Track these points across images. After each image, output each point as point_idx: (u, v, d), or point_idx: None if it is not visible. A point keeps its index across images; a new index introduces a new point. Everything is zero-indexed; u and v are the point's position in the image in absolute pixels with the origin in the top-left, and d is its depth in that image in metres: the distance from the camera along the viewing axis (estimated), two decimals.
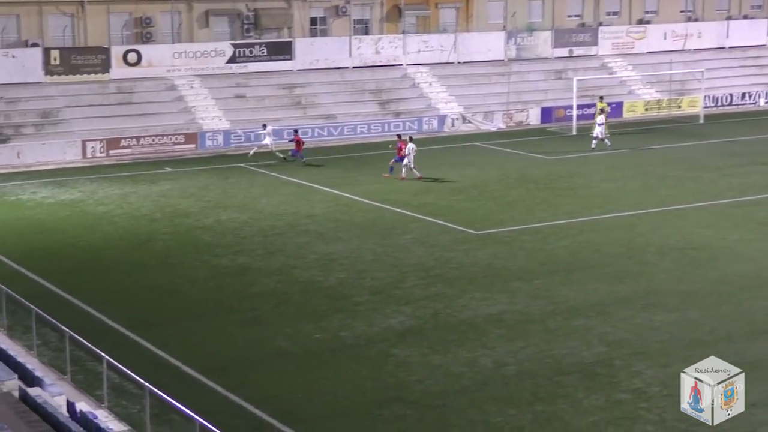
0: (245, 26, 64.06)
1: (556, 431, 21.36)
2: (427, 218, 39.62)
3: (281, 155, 52.07)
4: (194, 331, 27.61)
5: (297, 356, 25.69)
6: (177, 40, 62.01)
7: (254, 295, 30.64)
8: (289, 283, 31.64)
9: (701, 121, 64.57)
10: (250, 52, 61.97)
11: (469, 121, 62.91)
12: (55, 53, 57.33)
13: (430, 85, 65.16)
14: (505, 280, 31.76)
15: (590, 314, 28.39)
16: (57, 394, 21.34)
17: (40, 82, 57.00)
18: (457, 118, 62.55)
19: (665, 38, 74.05)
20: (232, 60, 61.36)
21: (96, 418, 19.91)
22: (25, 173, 49.92)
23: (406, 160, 46.98)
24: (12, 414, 19.45)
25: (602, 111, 56.98)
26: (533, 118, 64.31)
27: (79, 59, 57.86)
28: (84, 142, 53.58)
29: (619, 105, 66.26)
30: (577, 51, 71.16)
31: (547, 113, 64.47)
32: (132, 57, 59.00)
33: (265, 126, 53.88)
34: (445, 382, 23.97)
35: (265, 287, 31.31)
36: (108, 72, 58.38)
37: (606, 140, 54.24)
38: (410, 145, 47.21)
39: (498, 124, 63.00)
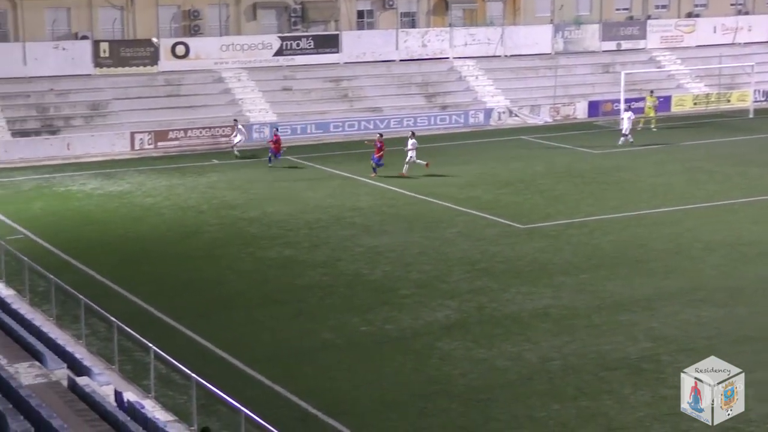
0: (292, 19, 64.23)
1: (600, 427, 21.28)
2: (473, 212, 39.57)
3: (238, 154, 51.77)
4: (240, 322, 27.78)
5: (342, 348, 25.78)
6: (225, 33, 62.30)
7: (300, 287, 30.76)
8: (335, 276, 31.73)
9: (751, 116, 63.95)
10: (297, 45, 62.14)
11: (516, 115, 62.71)
12: (104, 46, 57.83)
13: (477, 78, 65.03)
14: (551, 274, 31.67)
15: (636, 309, 28.25)
16: (105, 384, 21.58)
17: (90, 75, 57.51)
18: (503, 112, 62.37)
19: (715, 31, 73.36)
20: (279, 53, 61.56)
21: (143, 407, 20.10)
22: (75, 165, 50.41)
23: (409, 156, 46.43)
24: (61, 403, 19.69)
25: (653, 106, 57.77)
26: (580, 111, 63.99)
27: (128, 52, 58.32)
28: (132, 134, 54.01)
29: (668, 99, 65.76)
30: (625, 44, 70.69)
31: (594, 107, 64.14)
32: (180, 49, 59.39)
33: (236, 122, 53.56)
34: (490, 376, 23.96)
35: (311, 279, 31.43)
36: (156, 64, 58.80)
37: (629, 137, 53.84)
38: (412, 141, 46.75)
39: (544, 117, 62.77)
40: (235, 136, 52.41)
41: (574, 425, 21.38)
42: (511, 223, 37.70)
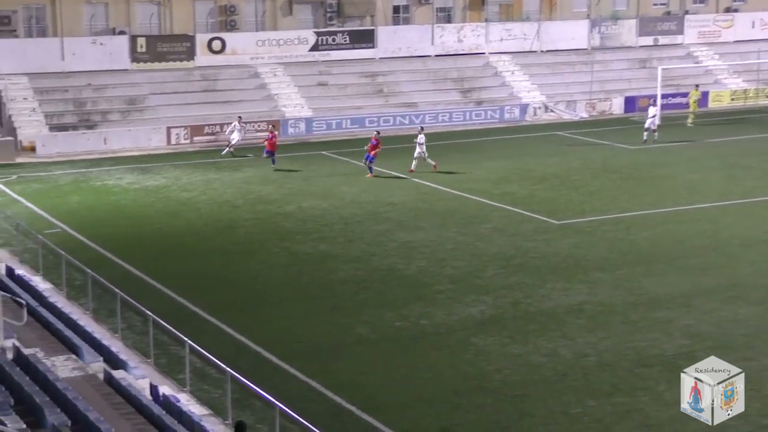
0: (328, 14, 64.27)
1: (636, 423, 21.19)
2: (508, 207, 39.47)
3: (230, 151, 50.66)
4: (275, 317, 27.86)
5: (377, 343, 25.80)
6: (261, 28, 62.48)
7: (334, 282, 30.81)
8: (369, 271, 31.75)
9: None
10: (333, 40, 62.18)
11: (552, 110, 62.46)
12: (141, 41, 58.10)
13: (513, 73, 64.82)
14: (586, 270, 31.54)
15: (672, 306, 28.09)
16: (140, 377, 21.75)
17: (127, 70, 57.79)
18: (539, 107, 62.14)
19: (753, 26, 72.75)
20: (315, 48, 61.64)
21: (178, 401, 20.23)
22: (111, 159, 50.70)
23: (418, 151, 46.08)
24: (97, 396, 19.85)
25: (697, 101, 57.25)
26: (616, 107, 63.65)
27: (164, 47, 58.57)
28: (168, 128, 54.24)
29: (705, 95, 65.24)
30: (663, 40, 70.24)
31: (630, 102, 63.74)
32: (216, 45, 59.59)
33: (240, 119, 52.31)
34: (524, 372, 23.90)
35: (346, 274, 31.46)
36: (193, 59, 59.03)
37: (654, 133, 53.24)
38: (421, 136, 46.37)
39: (580, 113, 62.49)
40: (232, 132, 51.11)
41: (609, 421, 21.30)
42: (546, 219, 37.58)
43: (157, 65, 58.24)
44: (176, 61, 58.69)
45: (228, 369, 21.25)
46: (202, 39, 59.36)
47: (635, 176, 45.24)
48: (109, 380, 20.74)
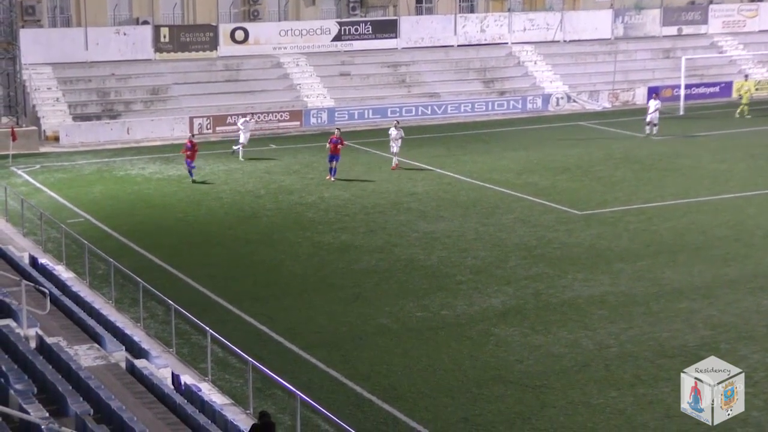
0: (351, 4, 64.21)
1: (658, 414, 21.13)
2: (530, 198, 39.39)
3: (235, 148, 48.36)
4: (297, 306, 27.90)
5: (398, 334, 25.80)
6: (283, 18, 62.49)
7: (356, 272, 30.83)
8: (391, 261, 31.75)
9: None
10: (356, 30, 62.15)
11: (574, 101, 62.30)
12: (164, 31, 58.23)
13: (535, 63, 64.65)
14: (609, 261, 31.45)
15: (695, 297, 27.99)
16: (162, 367, 21.82)
17: (150, 60, 57.94)
18: (561, 98, 61.96)
19: None
20: (337, 38, 61.63)
21: (200, 390, 20.30)
22: (134, 149, 50.87)
23: (395, 148, 45.54)
24: (119, 385, 19.93)
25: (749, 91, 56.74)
26: (639, 97, 63.37)
27: (187, 37, 58.69)
28: (191, 118, 54.37)
29: (729, 84, 64.96)
30: (687, 29, 69.91)
31: (654, 93, 63.35)
32: (239, 35, 59.65)
33: (252, 116, 51.53)
34: (546, 362, 23.86)
35: (367, 264, 31.47)
36: (216, 49, 59.12)
37: (655, 126, 52.57)
38: (395, 131, 45.33)
39: (603, 103, 62.28)
40: (242, 132, 48.62)
41: (631, 412, 21.25)
42: (568, 210, 37.48)
43: (180, 55, 58.37)
44: (199, 51, 58.80)
45: (249, 359, 21.31)
46: (225, 29, 59.43)
47: (658, 167, 45.06)
48: (131, 369, 20.83)
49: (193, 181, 42.69)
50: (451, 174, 43.78)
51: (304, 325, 26.50)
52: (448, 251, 32.66)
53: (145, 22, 58.84)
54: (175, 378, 21.00)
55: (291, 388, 20.26)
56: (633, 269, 30.52)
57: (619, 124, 55.95)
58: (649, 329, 25.74)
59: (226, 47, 59.31)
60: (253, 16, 61.92)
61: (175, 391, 19.82)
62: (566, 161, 46.31)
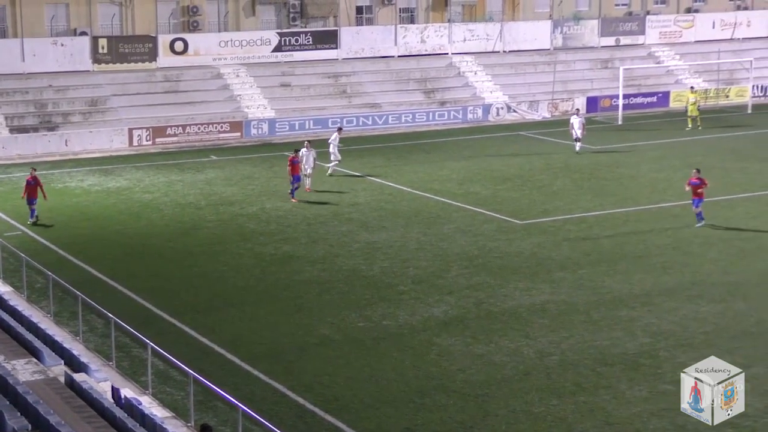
0: (291, 15, 64.19)
1: (598, 422, 21.27)
2: (472, 207, 39.55)
3: (333, 164, 46.05)
4: (239, 318, 27.75)
5: (340, 344, 25.76)
6: (223, 29, 62.31)
7: (298, 283, 30.74)
8: (333, 272, 31.71)
9: (749, 111, 63.99)
10: (296, 40, 62.09)
11: (514, 111, 62.70)
12: (103, 42, 57.80)
13: (476, 74, 64.98)
14: (549, 270, 31.65)
15: (635, 305, 28.24)
16: (102, 380, 21.59)
17: (88, 71, 57.47)
18: (502, 108, 62.35)
19: (713, 27, 73.37)
20: (277, 49, 61.53)
21: (140, 404, 20.09)
22: (73, 161, 50.39)
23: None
24: (58, 399, 19.68)
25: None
26: (579, 107, 63.89)
27: (126, 48, 58.28)
28: (130, 130, 53.99)
29: (666, 94, 65.75)
30: (624, 40, 70.69)
31: (592, 103, 64.11)
32: (179, 46, 59.35)
33: (340, 130, 48.92)
34: (488, 371, 23.94)
35: (309, 275, 31.40)
36: (155, 61, 58.77)
37: (578, 142, 50.83)
38: (305, 150, 42.90)
39: (543, 113, 62.74)
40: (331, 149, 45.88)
41: (572, 420, 21.37)
42: (509, 219, 37.68)
43: (118, 66, 57.95)
44: (138, 62, 58.41)
45: (191, 371, 21.17)
46: (164, 40, 59.11)
47: (598, 176, 45.46)
48: (71, 384, 20.58)
49: (34, 223, 37.66)
50: (393, 184, 43.84)
51: (246, 336, 26.38)
52: (389, 261, 32.68)
53: (83, 33, 58.37)
54: (115, 392, 20.78)
55: (233, 400, 20.14)
56: (573, 278, 30.73)
57: (559, 134, 56.37)
58: (590, 337, 25.93)
59: (165, 58, 58.97)
60: (193, 27, 61.66)
61: (115, 405, 19.59)
62: (507, 171, 46.57)
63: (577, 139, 50.86)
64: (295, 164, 41.39)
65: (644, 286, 29.98)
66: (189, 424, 20.88)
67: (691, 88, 61.68)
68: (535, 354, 24.90)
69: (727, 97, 67.76)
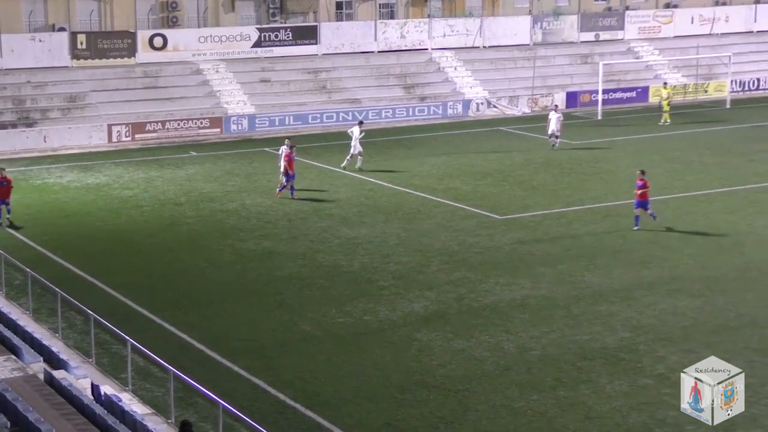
0: (271, 10, 64.04)
1: (578, 416, 21.34)
2: (452, 203, 39.58)
3: (353, 159, 45.96)
4: (219, 314, 27.72)
5: (321, 340, 25.77)
6: (203, 25, 62.11)
7: (279, 278, 30.72)
8: (314, 268, 31.69)
9: (728, 106, 64.22)
10: (276, 36, 61.96)
11: (494, 106, 62.76)
12: (81, 37, 57.52)
13: (455, 69, 65.00)
14: (529, 265, 31.71)
15: (614, 300, 28.34)
16: (82, 377, 21.53)
17: (67, 67, 57.18)
18: (482, 103, 62.39)
19: (692, 22, 73.53)
20: (257, 44, 61.38)
21: (120, 401, 20.04)
22: (51, 157, 50.18)
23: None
24: (37, 396, 19.61)
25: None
26: (558, 102, 63.90)
27: (105, 43, 58.02)
28: (110, 126, 53.78)
29: (645, 89, 65.93)
30: (604, 35, 70.79)
31: (572, 98, 64.23)
32: (158, 41, 59.13)
33: (361, 123, 48.55)
34: (468, 366, 23.98)
35: (290, 271, 31.38)
36: (134, 56, 58.55)
37: (555, 139, 50.39)
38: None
39: (523, 108, 62.83)
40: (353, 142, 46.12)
41: (553, 415, 21.43)
42: (489, 214, 37.73)
43: (97, 62, 57.69)
44: (117, 57, 58.16)
45: (171, 368, 21.13)
46: (143, 35, 58.89)
47: (577, 171, 45.57)
48: (50, 381, 20.51)
49: (8, 226, 36.60)
50: (373, 180, 43.84)
51: (227, 333, 26.34)
52: (370, 257, 32.69)
53: (62, 29, 58.09)
54: (95, 388, 20.73)
55: (213, 396, 20.12)
56: (553, 273, 30.81)
57: (539, 129, 56.33)
58: (570, 332, 26.00)
59: (144, 54, 58.75)
60: (172, 23, 61.46)
61: (95, 402, 19.54)
62: (487, 166, 46.63)
63: (553, 135, 50.63)
64: (291, 161, 40.94)
65: (624, 280, 30.08)
66: (169, 421, 20.85)
67: (665, 83, 61.73)
68: (516, 349, 24.96)
69: (706, 92, 68.00)
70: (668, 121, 57.45)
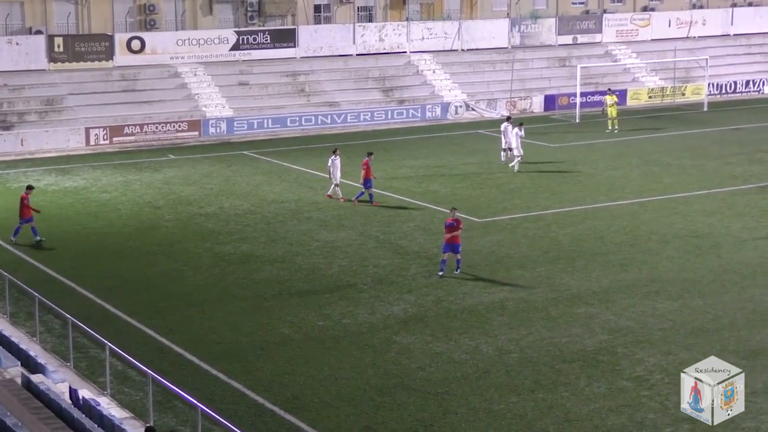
0: (249, 13, 63.98)
1: (557, 419, 21.38)
2: (431, 206, 39.60)
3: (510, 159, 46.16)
4: (198, 318, 27.64)
5: (300, 343, 25.73)
6: (181, 28, 62.02)
7: (257, 282, 30.66)
8: (292, 271, 31.65)
9: (705, 109, 64.53)
10: (254, 39, 61.89)
11: (473, 109, 62.87)
12: (58, 40, 57.32)
13: (434, 72, 65.09)
14: (508, 267, 31.76)
15: (593, 302, 28.40)
16: (59, 381, 21.40)
17: (44, 70, 56.99)
18: (460, 106, 62.50)
19: (670, 25, 73.94)
20: (235, 47, 61.30)
21: (98, 405, 19.94)
22: (29, 160, 49.96)
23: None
24: (15, 401, 19.50)
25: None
26: (536, 105, 64.28)
27: (82, 46, 57.82)
28: (87, 129, 53.61)
29: (623, 93, 66.16)
30: (581, 38, 71.06)
31: (550, 101, 64.42)
32: (135, 44, 58.99)
33: (510, 120, 47.70)
34: (447, 369, 23.99)
35: (268, 274, 31.33)
36: (112, 59, 58.38)
37: (514, 156, 46.45)
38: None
39: (501, 111, 62.91)
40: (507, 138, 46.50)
41: (531, 417, 21.46)
42: (468, 217, 37.72)
43: (75, 65, 57.51)
44: (95, 60, 57.99)
45: (149, 371, 21.06)
46: (121, 38, 58.73)
47: (556, 174, 45.65)
48: (28, 385, 20.39)
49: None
50: (352, 183, 43.76)
51: (205, 336, 26.28)
52: (349, 260, 32.67)
53: (39, 32, 57.88)
54: (73, 392, 20.63)
55: (192, 400, 20.06)
56: (532, 275, 30.86)
57: None
58: (548, 334, 26.05)
59: (122, 57, 58.59)
60: (150, 26, 61.32)
61: (73, 406, 19.44)
62: (465, 169, 46.69)
63: (509, 149, 47.17)
64: (369, 168, 40.10)
65: (602, 283, 30.16)
66: (148, 425, 20.75)
67: (609, 90, 61.38)
68: (495, 351, 24.99)
69: (684, 95, 68.34)
70: (617, 127, 56.93)
